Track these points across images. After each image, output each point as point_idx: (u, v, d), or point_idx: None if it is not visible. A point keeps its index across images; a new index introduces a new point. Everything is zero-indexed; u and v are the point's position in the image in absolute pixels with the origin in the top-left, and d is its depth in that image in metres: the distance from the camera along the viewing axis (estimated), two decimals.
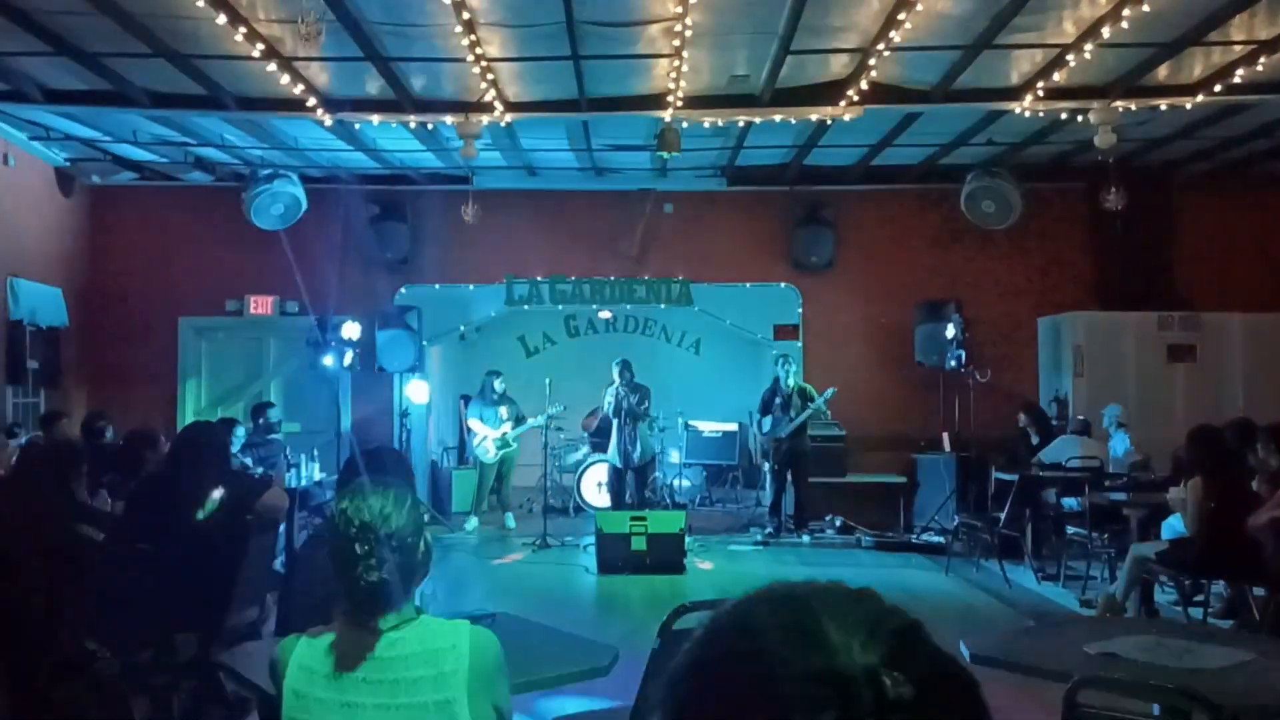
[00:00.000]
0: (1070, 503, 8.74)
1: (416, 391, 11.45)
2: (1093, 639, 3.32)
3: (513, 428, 11.02)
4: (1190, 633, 4.19)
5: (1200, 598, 6.85)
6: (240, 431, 8.88)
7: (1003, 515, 8.84)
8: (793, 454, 10.50)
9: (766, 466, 11.05)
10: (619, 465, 10.55)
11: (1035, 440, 9.58)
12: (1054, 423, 10.25)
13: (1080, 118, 8.87)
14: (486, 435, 10.99)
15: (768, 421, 10.61)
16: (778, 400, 10.53)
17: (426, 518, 2.35)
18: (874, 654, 0.70)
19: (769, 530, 10.46)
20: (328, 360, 10.09)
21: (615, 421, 10.50)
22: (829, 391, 10.47)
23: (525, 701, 2.55)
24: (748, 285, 12.08)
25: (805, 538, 10.45)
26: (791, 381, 10.56)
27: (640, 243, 11.97)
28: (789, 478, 10.60)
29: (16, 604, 4.09)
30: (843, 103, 8.51)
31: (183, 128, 9.68)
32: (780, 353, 11.22)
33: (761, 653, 0.71)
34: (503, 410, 11.06)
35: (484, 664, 2.17)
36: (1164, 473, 8.26)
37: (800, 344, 12.01)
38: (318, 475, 9.13)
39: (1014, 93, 8.54)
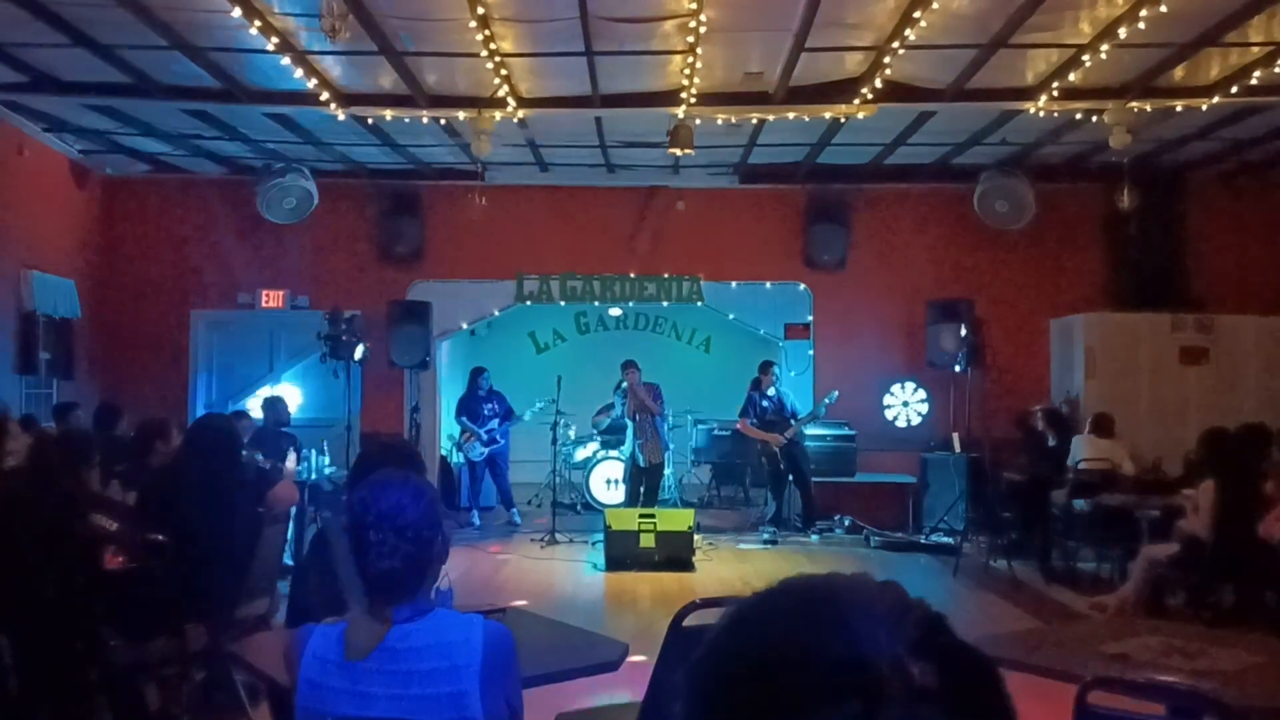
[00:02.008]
0: (1081, 503, 8.70)
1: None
2: (1103, 640, 3.31)
3: (499, 424, 11.14)
4: (1202, 635, 4.17)
5: (1211, 600, 6.82)
6: (251, 424, 8.90)
7: (1013, 516, 8.81)
8: (791, 455, 10.48)
9: (765, 466, 10.91)
10: (641, 465, 10.51)
11: (1052, 442, 9.52)
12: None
13: (1095, 118, 8.84)
14: (474, 432, 11.14)
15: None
16: (765, 405, 10.50)
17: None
18: (900, 643, 0.70)
19: (772, 530, 10.41)
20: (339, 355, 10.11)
21: (631, 422, 10.51)
22: (832, 395, 10.47)
23: (535, 695, 2.55)
24: (759, 283, 12.07)
25: (814, 537, 10.43)
26: (773, 392, 10.54)
27: (652, 240, 11.97)
28: (789, 480, 10.59)
29: (30, 593, 4.11)
30: (857, 101, 8.49)
31: (196, 120, 9.71)
32: (763, 358, 11.15)
33: (786, 640, 0.71)
34: (490, 407, 11.20)
35: (497, 657, 2.18)
36: (1176, 475, 8.23)
37: (811, 342, 12.00)
38: (328, 469, 9.16)
39: (1029, 92, 8.51)
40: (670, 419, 11.94)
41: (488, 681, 2.15)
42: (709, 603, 3.33)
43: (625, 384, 10.56)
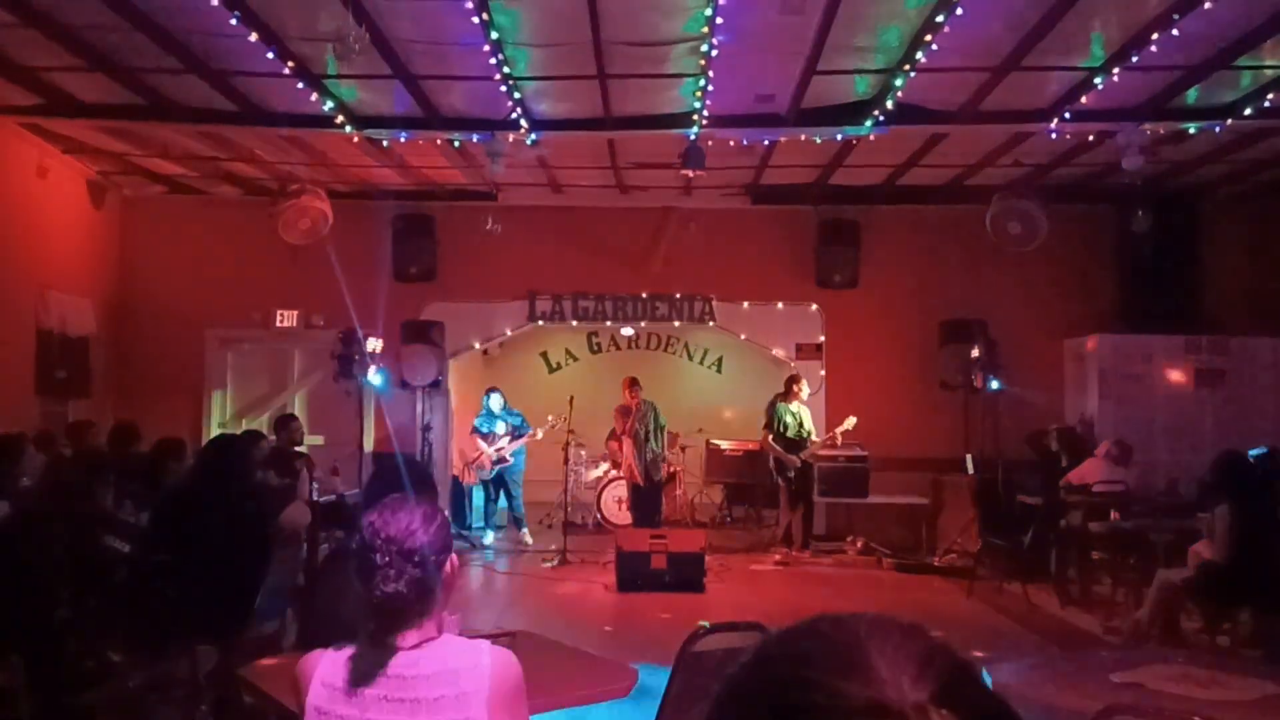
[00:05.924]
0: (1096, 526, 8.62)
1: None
2: (1118, 667, 3.28)
3: (509, 442, 11.15)
4: (1217, 662, 4.13)
5: (1227, 625, 6.76)
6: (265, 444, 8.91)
7: (1027, 538, 8.75)
8: (804, 475, 10.44)
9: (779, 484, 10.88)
10: (642, 483, 10.51)
11: (1065, 464, 9.47)
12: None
13: (1108, 140, 8.83)
14: (482, 451, 11.17)
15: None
16: (788, 420, 10.49)
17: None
18: (924, 690, 0.70)
19: (784, 550, 10.36)
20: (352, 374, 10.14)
21: (627, 440, 10.53)
22: (849, 421, 10.44)
23: None
24: (771, 304, 12.07)
25: (826, 558, 10.38)
26: (796, 408, 10.55)
27: (664, 260, 11.99)
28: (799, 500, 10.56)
29: (42, 613, 4.13)
30: (868, 122, 8.51)
31: (214, 142, 9.79)
32: (790, 374, 11.15)
33: (809, 682, 0.71)
34: (499, 426, 11.21)
35: (505, 685, 2.17)
36: (1191, 497, 8.17)
37: (823, 363, 11.98)
38: (340, 489, 9.15)
39: (1042, 114, 8.51)
40: (680, 439, 11.94)
41: (496, 709, 2.14)
42: (718, 628, 3.32)
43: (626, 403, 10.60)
